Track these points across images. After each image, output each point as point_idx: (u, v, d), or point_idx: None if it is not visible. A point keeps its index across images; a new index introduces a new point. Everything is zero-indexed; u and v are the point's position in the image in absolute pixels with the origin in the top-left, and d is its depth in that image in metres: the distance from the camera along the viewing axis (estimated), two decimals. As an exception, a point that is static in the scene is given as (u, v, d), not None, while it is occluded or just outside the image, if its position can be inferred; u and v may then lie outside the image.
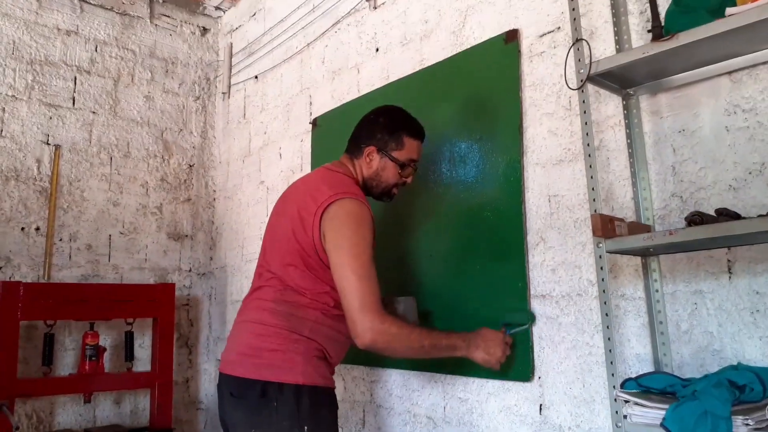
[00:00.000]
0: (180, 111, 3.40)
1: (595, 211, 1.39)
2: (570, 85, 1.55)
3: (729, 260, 1.40)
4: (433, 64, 2.18)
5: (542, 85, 1.82)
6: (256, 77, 3.24)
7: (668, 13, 1.36)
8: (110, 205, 3.06)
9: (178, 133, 3.37)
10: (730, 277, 1.40)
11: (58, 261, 2.86)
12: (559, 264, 1.72)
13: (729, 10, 1.19)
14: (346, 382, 2.39)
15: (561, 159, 1.75)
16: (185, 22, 3.49)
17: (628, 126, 1.57)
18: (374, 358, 2.24)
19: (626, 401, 1.27)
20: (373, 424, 2.27)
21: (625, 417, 1.27)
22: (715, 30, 1.20)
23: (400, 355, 1.68)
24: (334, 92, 2.67)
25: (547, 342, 1.73)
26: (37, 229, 2.83)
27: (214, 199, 3.48)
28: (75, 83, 3.04)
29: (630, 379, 1.35)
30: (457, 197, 2.01)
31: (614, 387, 1.34)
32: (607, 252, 1.37)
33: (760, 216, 1.21)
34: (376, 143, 1.78)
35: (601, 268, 1.38)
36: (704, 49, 1.30)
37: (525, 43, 1.89)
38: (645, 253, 1.49)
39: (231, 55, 3.45)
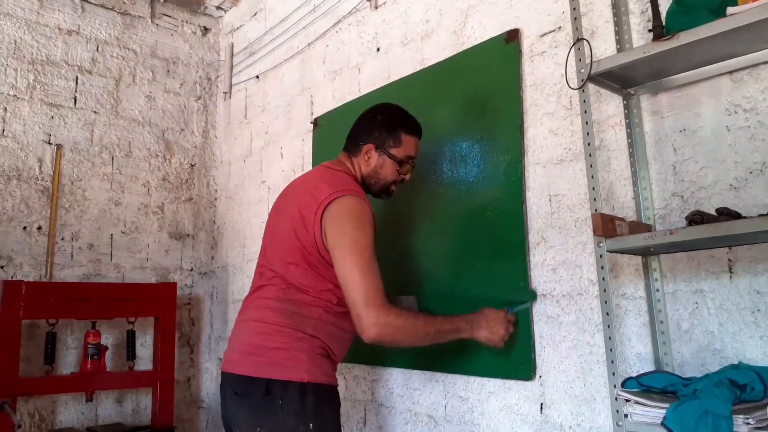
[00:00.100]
0: (181, 111, 3.40)
1: (596, 210, 1.39)
2: (571, 85, 1.55)
3: (730, 260, 1.40)
4: (434, 64, 2.18)
5: (543, 85, 1.83)
6: (258, 77, 3.25)
7: (669, 12, 1.36)
8: (112, 204, 3.07)
9: (179, 133, 3.38)
10: (730, 277, 1.40)
11: (60, 260, 2.87)
12: (559, 263, 1.73)
13: (730, 10, 1.19)
14: (348, 380, 2.39)
15: (562, 158, 1.76)
16: (186, 22, 3.49)
17: (628, 125, 1.57)
18: (375, 357, 2.24)
19: (627, 400, 1.27)
20: (374, 422, 2.27)
21: (625, 416, 1.27)
22: (716, 29, 1.20)
23: (407, 345, 1.68)
24: (335, 92, 2.67)
25: (548, 341, 1.73)
26: (39, 228, 2.83)
27: (216, 199, 3.48)
28: (76, 83, 3.04)
29: (631, 378, 1.36)
30: (458, 197, 2.01)
31: (615, 386, 1.34)
32: (608, 251, 1.37)
33: (760, 215, 1.21)
34: (374, 141, 1.79)
35: (602, 268, 1.38)
36: (705, 48, 1.30)
37: (526, 43, 1.89)
38: (646, 253, 1.49)
39: (232, 55, 3.46)
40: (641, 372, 1.45)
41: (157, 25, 3.37)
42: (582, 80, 1.43)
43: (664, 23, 1.35)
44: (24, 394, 2.63)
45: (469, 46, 2.06)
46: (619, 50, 1.56)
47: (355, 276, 1.55)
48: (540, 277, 1.77)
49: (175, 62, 3.41)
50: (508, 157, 1.87)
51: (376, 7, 2.50)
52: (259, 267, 1.79)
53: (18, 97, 2.86)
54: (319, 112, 2.74)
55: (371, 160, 1.80)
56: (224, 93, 3.50)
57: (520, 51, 1.89)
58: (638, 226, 1.43)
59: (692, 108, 1.49)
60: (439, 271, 2.04)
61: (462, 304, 1.93)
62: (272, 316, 1.64)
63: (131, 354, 2.86)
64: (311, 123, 2.78)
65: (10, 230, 2.75)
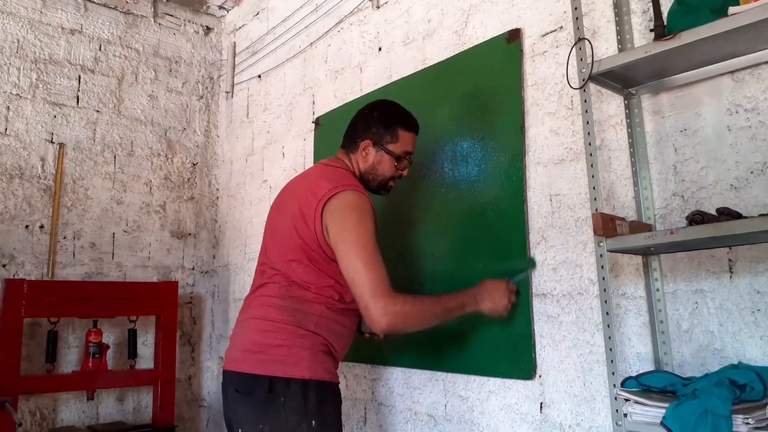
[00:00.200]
0: (183, 110, 3.41)
1: (597, 210, 1.39)
2: (572, 85, 1.55)
3: (730, 259, 1.40)
4: (436, 64, 2.19)
5: (544, 85, 1.83)
6: (260, 76, 3.25)
7: (671, 12, 1.36)
8: (114, 203, 3.07)
9: (181, 132, 3.38)
10: (731, 277, 1.40)
11: (62, 259, 2.88)
12: (560, 263, 1.73)
13: (732, 10, 1.19)
14: (348, 379, 2.39)
15: (563, 158, 1.76)
16: (189, 22, 3.50)
17: (629, 125, 1.57)
18: (376, 356, 2.25)
19: (627, 400, 1.27)
20: (374, 421, 2.27)
21: (625, 415, 1.27)
22: (718, 29, 1.20)
23: (418, 329, 1.67)
24: (337, 91, 2.67)
25: (548, 340, 1.73)
26: (41, 227, 2.84)
27: (218, 198, 3.49)
28: (79, 82, 3.05)
29: (630, 377, 1.35)
30: (459, 196, 2.01)
31: (615, 385, 1.34)
32: (608, 251, 1.37)
33: (761, 215, 1.21)
34: (371, 137, 1.80)
35: (602, 267, 1.38)
36: (706, 48, 1.30)
37: (527, 43, 1.89)
38: (646, 252, 1.49)
39: (234, 55, 3.47)
40: (641, 371, 1.45)
41: (159, 24, 3.38)
42: (583, 80, 1.43)
43: (665, 23, 1.35)
44: (25, 393, 2.64)
45: (471, 45, 2.07)
46: (620, 50, 1.56)
47: (359, 269, 1.56)
48: (540, 276, 1.77)
49: (178, 61, 3.42)
50: (509, 157, 1.87)
51: (378, 7, 2.51)
52: (260, 265, 1.80)
53: (21, 96, 2.87)
54: (320, 111, 2.75)
55: (369, 157, 1.80)
56: (226, 92, 3.50)
57: (522, 50, 1.89)
58: (639, 226, 1.43)
59: (693, 108, 1.49)
60: (440, 271, 2.05)
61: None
62: (274, 313, 1.64)
63: (132, 353, 2.86)
64: (313, 122, 2.78)
65: (12, 229, 2.76)
